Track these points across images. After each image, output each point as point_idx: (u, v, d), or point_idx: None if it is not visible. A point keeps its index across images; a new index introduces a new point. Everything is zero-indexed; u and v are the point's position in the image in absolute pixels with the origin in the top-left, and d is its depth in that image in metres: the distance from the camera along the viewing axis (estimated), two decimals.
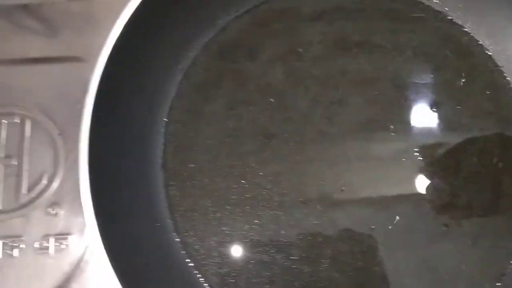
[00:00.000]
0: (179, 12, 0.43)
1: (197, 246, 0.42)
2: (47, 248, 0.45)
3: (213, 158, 0.44)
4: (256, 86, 0.45)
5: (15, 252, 0.45)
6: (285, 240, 0.42)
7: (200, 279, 0.42)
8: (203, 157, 0.44)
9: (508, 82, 0.45)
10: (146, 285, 0.39)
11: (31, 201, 0.46)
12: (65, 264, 0.45)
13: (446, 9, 0.47)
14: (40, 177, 0.47)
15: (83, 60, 0.48)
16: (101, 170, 0.37)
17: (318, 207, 0.43)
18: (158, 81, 0.44)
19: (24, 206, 0.46)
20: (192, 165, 0.44)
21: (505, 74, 0.45)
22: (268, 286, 0.41)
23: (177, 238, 0.42)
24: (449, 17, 0.46)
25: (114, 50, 0.37)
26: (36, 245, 0.45)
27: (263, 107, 0.45)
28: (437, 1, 0.47)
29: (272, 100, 0.45)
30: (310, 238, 0.42)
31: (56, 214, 0.46)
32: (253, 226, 0.42)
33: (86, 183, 0.35)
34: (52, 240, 0.46)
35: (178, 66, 0.45)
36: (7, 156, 0.47)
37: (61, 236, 0.46)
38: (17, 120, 0.48)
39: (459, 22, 0.46)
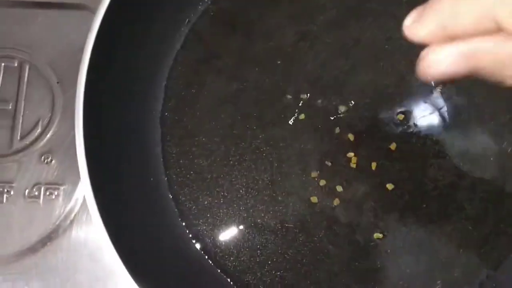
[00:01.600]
0: None
1: (190, 205, 0.41)
2: (37, 196, 0.44)
3: (214, 117, 0.42)
4: (265, 47, 0.43)
5: (4, 198, 0.44)
6: (281, 206, 0.41)
7: (192, 239, 0.41)
8: (203, 115, 0.42)
9: None
10: (137, 241, 0.37)
11: (25, 147, 0.45)
12: (54, 214, 0.44)
13: None
14: (35, 124, 0.46)
15: (88, 8, 0.47)
16: (97, 121, 0.36)
17: (318, 173, 0.41)
18: (162, 32, 0.42)
19: (17, 152, 0.45)
20: (192, 123, 0.42)
21: None
22: (259, 251, 0.40)
23: (170, 195, 0.41)
24: None
25: None
26: (27, 193, 0.44)
27: (270, 69, 0.43)
28: None
29: (279, 62, 0.43)
30: (307, 206, 0.41)
31: (48, 163, 0.45)
32: (249, 190, 0.41)
33: (81, 134, 0.34)
34: (42, 189, 0.45)
35: (185, 18, 0.43)
36: (3, 100, 0.46)
37: (52, 186, 0.45)
38: (15, 64, 0.46)
39: None
